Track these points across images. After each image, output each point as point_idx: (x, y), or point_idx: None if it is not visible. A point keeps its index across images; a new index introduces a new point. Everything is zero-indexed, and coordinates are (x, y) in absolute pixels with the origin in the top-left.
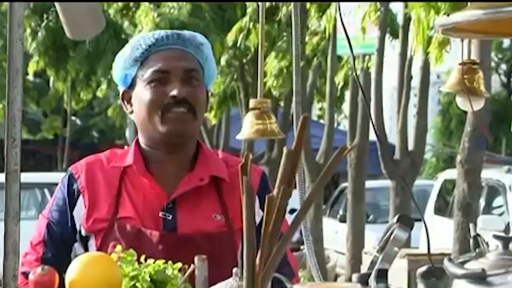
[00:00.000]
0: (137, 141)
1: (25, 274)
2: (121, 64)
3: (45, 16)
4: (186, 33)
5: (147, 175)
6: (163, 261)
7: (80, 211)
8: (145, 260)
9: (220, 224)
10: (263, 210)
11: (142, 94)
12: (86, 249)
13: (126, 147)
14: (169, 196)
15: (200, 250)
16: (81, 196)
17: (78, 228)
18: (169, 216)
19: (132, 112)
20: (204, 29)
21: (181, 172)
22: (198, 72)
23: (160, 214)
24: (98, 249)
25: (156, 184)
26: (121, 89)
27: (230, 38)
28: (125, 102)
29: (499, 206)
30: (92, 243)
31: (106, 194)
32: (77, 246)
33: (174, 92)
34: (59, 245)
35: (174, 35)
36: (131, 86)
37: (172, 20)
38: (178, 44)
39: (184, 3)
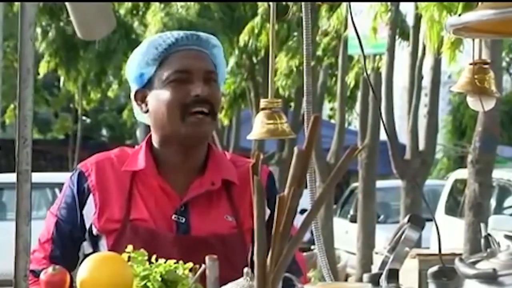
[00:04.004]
0: (148, 141)
1: (33, 272)
2: (136, 63)
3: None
4: (202, 34)
5: (158, 178)
6: (174, 261)
7: (90, 210)
8: (156, 260)
9: (232, 225)
10: (270, 209)
11: (162, 93)
12: (95, 248)
13: (136, 146)
14: (181, 198)
15: (213, 252)
16: (91, 195)
17: (87, 227)
18: (182, 219)
19: (147, 111)
20: (213, 28)
21: (193, 174)
22: (216, 73)
23: (173, 217)
24: (111, 250)
25: (168, 187)
26: (134, 87)
27: (242, 38)
28: (139, 102)
29: (510, 206)
30: (103, 243)
31: (117, 194)
32: (86, 244)
33: (197, 91)
34: (67, 243)
35: (193, 36)
36: (147, 85)
37: (180, 20)
38: (197, 44)
39: (192, 3)
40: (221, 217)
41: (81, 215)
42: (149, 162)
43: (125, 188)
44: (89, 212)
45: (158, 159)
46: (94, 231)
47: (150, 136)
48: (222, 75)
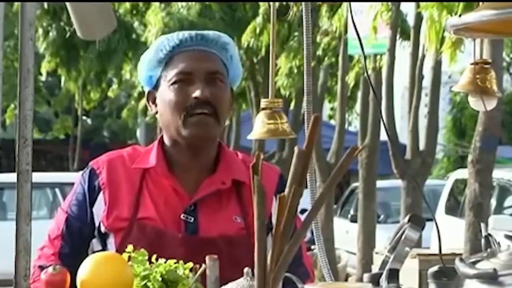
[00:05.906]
0: (160, 140)
1: (41, 268)
2: (145, 65)
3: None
4: (211, 33)
5: (169, 176)
6: (175, 260)
7: (100, 208)
8: (157, 260)
9: (240, 227)
10: None
11: (166, 95)
12: (104, 246)
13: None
14: (191, 198)
15: (221, 253)
16: (101, 193)
17: (97, 225)
18: (190, 219)
19: (157, 112)
20: (214, 28)
21: (203, 174)
22: (222, 73)
23: (182, 217)
24: (118, 248)
25: (178, 186)
26: (146, 89)
27: (244, 39)
28: (150, 103)
29: (511, 206)
30: (111, 241)
31: (127, 192)
32: (95, 242)
33: (196, 93)
34: (77, 240)
35: (198, 36)
36: (156, 86)
37: (181, 20)
38: (202, 45)
39: (193, 3)
40: (230, 218)
41: (91, 213)
42: (160, 161)
43: (135, 186)
44: (99, 210)
45: (169, 158)
46: (103, 229)
47: (163, 135)
48: (235, 73)
